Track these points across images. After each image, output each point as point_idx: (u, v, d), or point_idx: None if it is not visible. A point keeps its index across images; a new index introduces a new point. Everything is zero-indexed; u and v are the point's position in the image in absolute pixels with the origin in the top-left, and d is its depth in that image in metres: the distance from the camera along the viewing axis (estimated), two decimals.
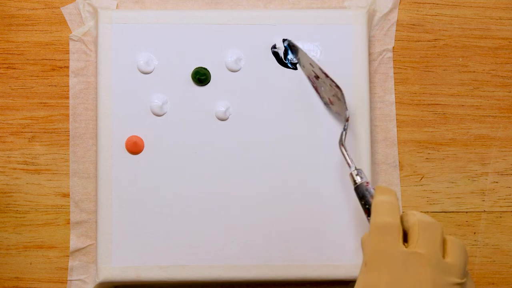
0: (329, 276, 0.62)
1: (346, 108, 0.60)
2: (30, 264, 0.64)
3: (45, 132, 0.64)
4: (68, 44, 0.65)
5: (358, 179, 0.55)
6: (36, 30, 0.65)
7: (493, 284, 0.65)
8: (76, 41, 0.65)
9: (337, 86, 0.60)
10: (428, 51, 0.66)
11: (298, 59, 0.63)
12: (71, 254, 0.63)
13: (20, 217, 0.64)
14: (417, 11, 0.66)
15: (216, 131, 0.63)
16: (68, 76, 0.65)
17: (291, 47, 0.63)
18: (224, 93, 0.63)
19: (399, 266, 0.46)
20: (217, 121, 0.63)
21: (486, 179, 0.65)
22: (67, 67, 0.65)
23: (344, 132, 0.59)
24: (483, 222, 0.65)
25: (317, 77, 0.62)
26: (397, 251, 0.47)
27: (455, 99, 0.66)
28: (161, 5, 0.65)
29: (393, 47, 0.66)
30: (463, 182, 0.65)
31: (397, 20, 0.66)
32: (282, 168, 0.63)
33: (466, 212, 0.65)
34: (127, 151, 0.62)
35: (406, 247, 0.48)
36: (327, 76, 0.60)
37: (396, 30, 0.66)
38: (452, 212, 0.65)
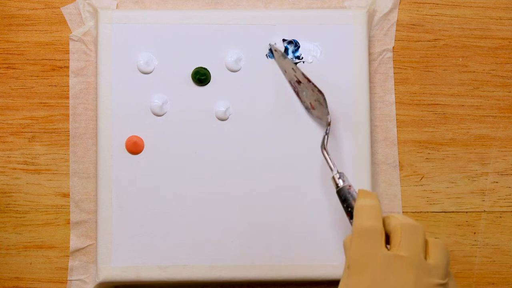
0: (329, 276, 0.62)
1: (327, 113, 0.60)
2: (30, 264, 0.64)
3: (45, 132, 0.64)
4: (68, 44, 0.65)
5: (340, 183, 0.55)
6: (36, 30, 0.65)
7: (493, 284, 0.65)
8: (76, 41, 0.65)
9: (319, 91, 0.60)
10: (428, 51, 0.66)
11: (280, 65, 0.63)
12: (71, 254, 0.63)
13: (20, 217, 0.64)
14: (417, 11, 0.66)
15: (216, 131, 0.63)
16: (68, 76, 0.65)
17: (273, 52, 0.63)
18: (224, 93, 0.63)
19: (382, 269, 0.47)
20: (217, 121, 0.63)
21: (486, 179, 0.65)
22: (67, 67, 0.65)
23: (326, 136, 0.59)
24: (483, 222, 0.65)
25: (299, 82, 0.62)
26: (379, 254, 0.47)
27: (455, 99, 0.66)
28: (161, 5, 0.65)
29: (393, 47, 0.66)
30: (463, 182, 0.65)
31: (397, 20, 0.66)
32: (282, 168, 0.62)
33: (466, 212, 0.65)
34: (127, 151, 0.62)
35: (388, 250, 0.48)
36: (309, 81, 0.60)
37: (396, 30, 0.66)
38: (452, 212, 0.65)
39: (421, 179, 0.65)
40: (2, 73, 0.65)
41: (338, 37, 0.63)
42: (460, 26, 0.66)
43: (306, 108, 0.62)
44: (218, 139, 0.63)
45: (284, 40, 0.63)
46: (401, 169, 0.65)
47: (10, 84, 0.65)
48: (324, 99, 0.60)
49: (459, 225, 0.65)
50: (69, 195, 0.64)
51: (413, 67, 0.66)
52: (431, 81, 0.66)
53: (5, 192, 0.64)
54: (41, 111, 0.65)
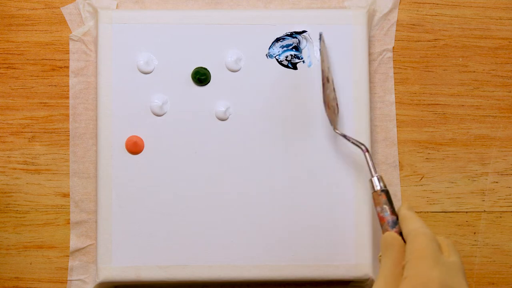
0: (329, 276, 0.62)
1: (336, 124, 0.61)
2: (30, 264, 0.64)
3: (45, 132, 0.64)
4: (68, 44, 0.65)
5: (380, 185, 0.56)
6: (36, 30, 0.65)
7: (493, 284, 0.65)
8: (76, 41, 0.65)
9: (337, 105, 0.62)
10: (428, 51, 0.66)
11: (321, 52, 0.62)
12: (71, 254, 0.63)
13: (20, 217, 0.64)
14: (417, 11, 0.66)
15: (216, 131, 0.63)
16: (68, 76, 0.65)
17: (320, 40, 0.62)
18: (224, 93, 0.63)
19: (445, 268, 0.49)
20: (217, 121, 0.63)
21: (486, 179, 0.65)
22: (67, 67, 0.65)
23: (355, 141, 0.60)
24: (483, 222, 0.65)
25: (328, 80, 0.61)
26: (442, 255, 0.50)
27: (455, 99, 0.66)
28: (161, 5, 0.65)
29: (393, 47, 0.66)
30: (463, 182, 0.65)
31: (397, 20, 0.66)
32: (282, 168, 0.62)
33: (466, 212, 0.65)
34: (127, 151, 0.62)
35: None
36: (334, 90, 0.61)
37: (396, 30, 0.66)
38: (452, 212, 0.65)
39: (421, 179, 0.65)
40: (2, 73, 0.65)
41: (338, 37, 0.63)
42: (460, 26, 0.66)
43: (324, 102, 0.62)
44: (218, 139, 0.63)
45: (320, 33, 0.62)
46: (401, 169, 0.65)
47: (10, 84, 0.65)
48: (337, 114, 0.61)
49: (459, 225, 0.65)
50: (69, 195, 0.64)
51: (413, 67, 0.66)
52: (431, 81, 0.66)
53: (5, 192, 0.64)
54: (41, 111, 0.65)
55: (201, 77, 0.63)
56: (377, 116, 0.65)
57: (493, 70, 0.66)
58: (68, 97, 0.65)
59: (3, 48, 0.65)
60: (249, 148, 0.63)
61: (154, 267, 0.62)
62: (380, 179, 0.56)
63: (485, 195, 0.65)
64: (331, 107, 0.61)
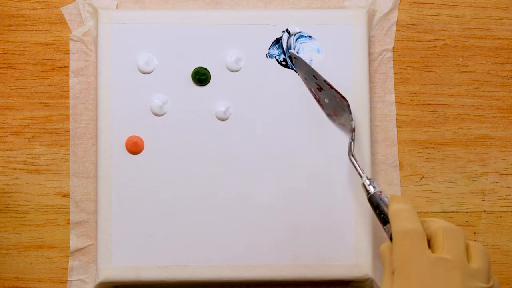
0: (329, 276, 0.62)
1: (351, 119, 0.60)
2: (30, 264, 0.64)
3: (45, 132, 0.64)
4: (68, 44, 0.65)
5: (371, 189, 0.55)
6: (36, 30, 0.65)
7: None
8: (76, 41, 0.65)
9: (343, 97, 0.60)
10: (428, 51, 0.66)
11: (300, 72, 0.63)
12: (71, 254, 0.63)
13: (20, 217, 0.64)
14: (417, 11, 0.66)
15: (216, 131, 0.63)
16: (68, 76, 0.65)
17: (292, 59, 0.63)
18: (224, 93, 0.63)
19: (429, 272, 0.46)
20: (217, 121, 0.63)
21: (486, 179, 0.65)
22: (67, 67, 0.65)
23: (352, 143, 0.59)
24: (483, 222, 0.65)
25: (320, 89, 0.61)
26: (425, 257, 0.47)
27: (455, 99, 0.66)
28: (161, 5, 0.65)
29: (393, 47, 0.66)
30: (463, 182, 0.65)
31: (397, 20, 0.66)
32: (282, 168, 0.62)
33: (466, 212, 0.65)
34: (127, 151, 0.62)
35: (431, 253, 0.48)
36: (331, 87, 0.60)
37: (396, 30, 0.66)
38: (452, 212, 0.65)
39: (421, 179, 0.65)
40: (2, 73, 0.65)
41: (338, 37, 0.63)
42: (460, 26, 0.66)
43: (328, 115, 0.62)
44: (218, 139, 0.63)
45: (288, 51, 0.63)
46: (401, 169, 0.65)
47: (10, 84, 0.65)
48: (348, 105, 0.60)
49: (459, 225, 0.65)
50: (69, 195, 0.64)
51: (413, 67, 0.66)
52: (431, 81, 0.66)
53: (5, 192, 0.64)
54: (41, 111, 0.65)
55: (201, 77, 0.63)
56: (377, 116, 0.65)
57: (493, 70, 0.66)
58: (68, 97, 0.65)
59: (3, 48, 0.65)
60: (249, 148, 0.63)
61: (154, 267, 0.62)
62: (370, 182, 0.55)
63: (485, 195, 0.65)
64: (338, 110, 0.61)
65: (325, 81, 0.61)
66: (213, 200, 0.62)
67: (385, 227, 0.53)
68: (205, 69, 0.63)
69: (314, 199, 0.62)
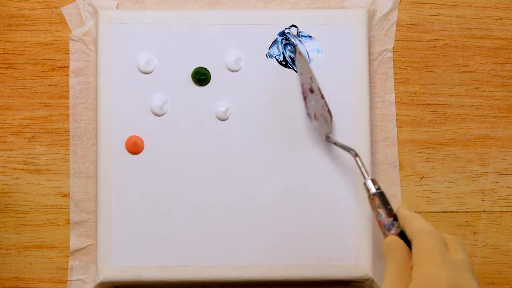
0: (329, 276, 0.62)
1: (330, 131, 0.61)
2: (30, 264, 0.64)
3: (45, 132, 0.64)
4: (68, 44, 0.65)
5: (374, 188, 0.55)
6: (36, 30, 0.65)
7: (493, 284, 0.65)
8: (76, 41, 0.65)
9: (329, 111, 0.60)
10: (428, 51, 0.66)
11: (298, 66, 0.63)
12: (71, 254, 0.63)
13: (20, 217, 0.64)
14: (417, 11, 0.66)
15: (216, 131, 0.63)
16: (68, 76, 0.65)
17: (296, 53, 0.63)
18: (224, 93, 0.63)
19: (453, 266, 0.48)
20: (217, 121, 0.63)
21: (486, 179, 0.65)
22: (67, 67, 0.65)
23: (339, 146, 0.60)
24: (483, 222, 0.65)
25: (311, 90, 0.61)
26: (448, 254, 0.49)
27: (455, 99, 0.66)
28: (161, 5, 0.65)
29: (393, 47, 0.66)
30: (463, 182, 0.65)
31: (397, 20, 0.66)
32: (282, 169, 0.62)
33: (466, 212, 0.65)
34: (127, 151, 0.62)
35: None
36: (323, 98, 0.60)
37: (396, 30, 0.66)
38: (452, 212, 0.65)
39: (421, 179, 0.65)
40: (2, 73, 0.65)
41: (338, 37, 0.63)
42: (460, 26, 0.66)
43: (308, 115, 0.62)
44: (218, 139, 0.63)
45: (293, 44, 0.63)
46: (401, 169, 0.65)
47: (10, 84, 0.65)
48: (331, 120, 0.60)
49: (459, 225, 0.65)
50: (69, 195, 0.64)
51: (413, 67, 0.66)
52: (431, 81, 0.66)
53: (5, 192, 0.64)
54: (41, 111, 0.65)
55: (201, 77, 0.63)
56: (377, 116, 0.65)
57: (493, 70, 0.66)
58: (68, 97, 0.65)
59: (3, 48, 0.65)
60: (249, 148, 0.63)
61: (154, 267, 0.62)
62: (373, 181, 0.55)
63: (485, 195, 0.65)
64: (319, 117, 0.61)
65: (319, 89, 0.61)
66: (213, 200, 0.62)
67: (395, 222, 0.53)
68: (205, 69, 0.63)
69: (314, 199, 0.62)
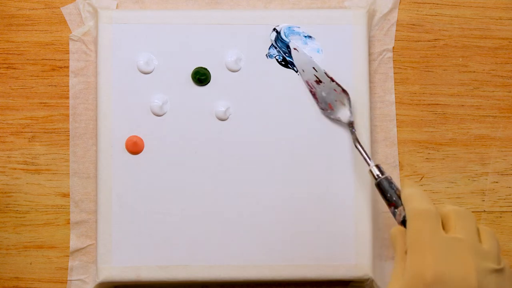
0: (329, 276, 0.62)
1: (350, 113, 0.60)
2: (30, 264, 0.64)
3: (45, 132, 0.64)
4: (68, 44, 0.65)
5: (379, 174, 0.56)
6: (36, 30, 0.65)
7: None
8: (76, 41, 0.65)
9: (344, 91, 0.61)
10: (428, 51, 0.66)
11: (298, 64, 0.63)
12: (71, 254, 0.63)
13: (20, 217, 0.64)
14: (417, 11, 0.66)
15: (216, 131, 0.63)
16: (68, 76, 0.65)
17: (291, 50, 0.63)
18: (224, 93, 0.63)
19: (442, 250, 0.47)
20: (217, 121, 0.63)
21: (486, 179, 0.65)
22: (67, 67, 0.65)
23: (354, 132, 0.60)
24: (483, 222, 0.65)
25: (318, 81, 0.62)
26: (438, 236, 0.48)
27: (455, 99, 0.66)
28: (161, 5, 0.65)
29: (393, 47, 0.66)
30: (463, 182, 0.65)
31: (397, 20, 0.66)
32: (282, 169, 0.63)
33: None
34: (127, 151, 0.62)
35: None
36: (332, 80, 0.61)
37: (396, 30, 0.66)
38: None
39: (421, 179, 0.65)
40: (2, 73, 0.65)
41: (338, 37, 0.63)
42: (460, 26, 0.66)
43: (323, 109, 0.62)
44: (218, 139, 0.63)
45: (288, 42, 0.63)
46: (401, 169, 0.65)
47: (10, 84, 0.65)
48: (349, 98, 0.61)
49: None
50: (69, 195, 0.64)
51: (413, 67, 0.66)
52: (431, 81, 0.66)
53: (5, 192, 0.64)
54: (41, 111, 0.65)
55: (201, 77, 0.63)
56: (377, 116, 0.65)
57: (493, 70, 0.66)
58: (68, 97, 0.65)
59: (3, 48, 0.65)
60: (249, 148, 0.63)
61: (154, 267, 0.62)
62: (378, 167, 0.57)
63: (485, 195, 0.65)
64: (335, 103, 0.61)
65: (325, 73, 0.61)
66: (213, 200, 0.62)
67: (396, 210, 0.53)
68: (205, 69, 0.63)
69: (314, 199, 0.62)
